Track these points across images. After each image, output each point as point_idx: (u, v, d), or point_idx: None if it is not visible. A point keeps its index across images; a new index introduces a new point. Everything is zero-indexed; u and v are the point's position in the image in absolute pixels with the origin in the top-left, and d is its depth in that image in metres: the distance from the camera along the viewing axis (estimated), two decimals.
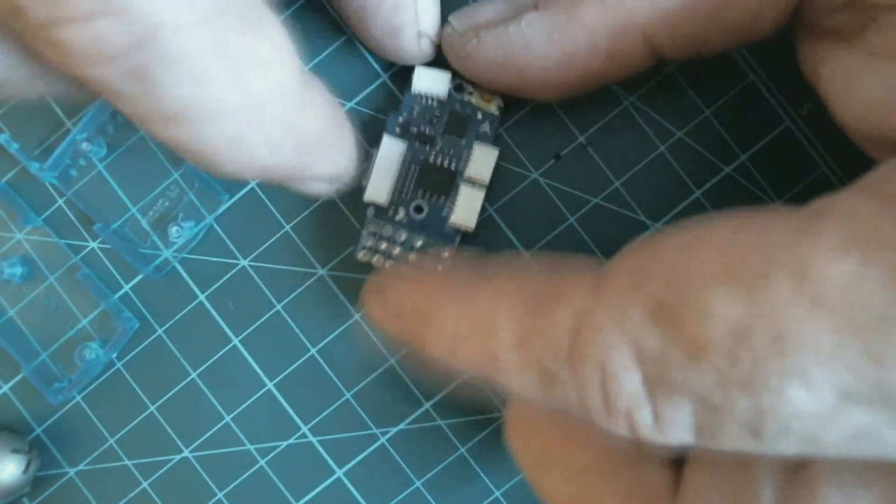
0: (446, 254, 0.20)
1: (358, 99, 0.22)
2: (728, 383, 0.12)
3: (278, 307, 0.22)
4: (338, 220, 0.22)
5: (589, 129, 0.21)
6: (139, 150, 0.22)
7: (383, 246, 0.20)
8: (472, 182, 0.20)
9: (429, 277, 0.18)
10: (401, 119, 0.20)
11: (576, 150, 0.21)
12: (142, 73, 0.12)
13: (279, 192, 0.22)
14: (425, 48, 0.19)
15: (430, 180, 0.20)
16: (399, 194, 0.20)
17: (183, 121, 0.13)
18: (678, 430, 0.13)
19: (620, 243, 0.21)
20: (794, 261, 0.12)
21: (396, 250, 0.20)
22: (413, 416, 0.22)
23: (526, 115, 0.21)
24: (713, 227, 0.13)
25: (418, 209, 0.20)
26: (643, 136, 0.21)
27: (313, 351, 0.22)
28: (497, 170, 0.20)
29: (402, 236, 0.20)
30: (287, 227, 0.22)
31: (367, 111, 0.22)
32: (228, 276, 0.22)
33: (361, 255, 0.21)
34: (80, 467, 0.23)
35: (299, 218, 0.22)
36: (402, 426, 0.22)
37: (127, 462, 0.23)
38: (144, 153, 0.22)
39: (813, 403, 0.12)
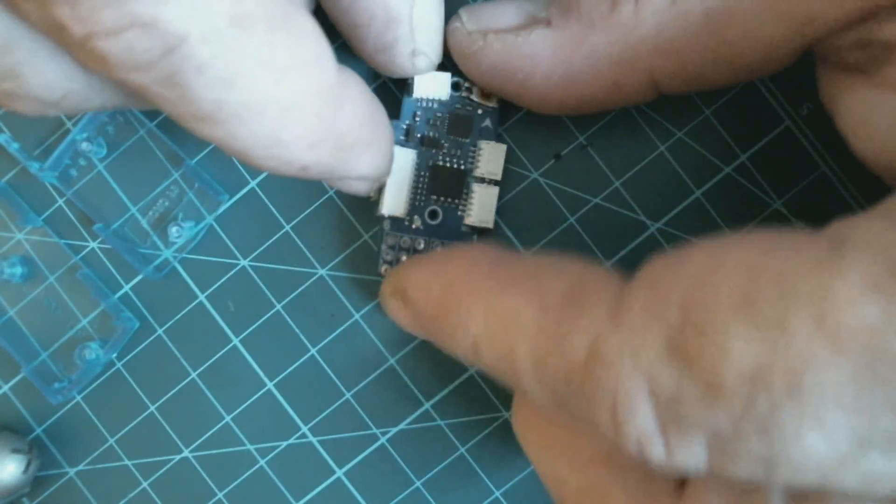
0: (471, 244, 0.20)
1: None
2: (743, 425, 0.12)
3: (278, 307, 0.22)
4: (338, 220, 0.22)
5: (589, 129, 0.21)
6: (139, 150, 0.22)
7: (403, 257, 0.20)
8: (484, 180, 0.20)
9: (453, 269, 0.17)
10: (404, 126, 0.20)
11: (576, 150, 0.21)
12: (174, 78, 0.13)
13: (279, 192, 0.22)
14: (420, 65, 0.19)
15: (442, 184, 0.20)
16: (414, 202, 0.20)
17: (217, 121, 0.14)
18: (690, 461, 0.13)
19: (620, 243, 0.21)
20: (816, 300, 0.11)
21: None
22: (413, 416, 0.22)
23: (526, 114, 0.21)
24: (732, 251, 0.13)
25: (433, 214, 0.20)
26: (643, 136, 0.21)
27: (313, 351, 0.22)
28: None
29: (421, 244, 0.20)
30: (287, 227, 0.22)
31: None
32: (228, 276, 0.22)
33: (383, 271, 0.20)
34: (80, 467, 0.23)
35: (299, 218, 0.22)
36: (402, 426, 0.22)
37: (127, 462, 0.23)
38: (144, 153, 0.22)
39: (830, 450, 0.11)
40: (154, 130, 0.22)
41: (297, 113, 0.15)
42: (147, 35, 0.12)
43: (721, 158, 0.21)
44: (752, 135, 0.21)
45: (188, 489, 0.22)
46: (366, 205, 0.21)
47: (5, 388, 0.23)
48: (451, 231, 0.20)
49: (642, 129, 0.21)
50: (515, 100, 0.19)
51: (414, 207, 0.20)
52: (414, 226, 0.20)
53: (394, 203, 0.20)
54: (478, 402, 0.22)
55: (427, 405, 0.22)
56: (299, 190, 0.22)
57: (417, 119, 0.20)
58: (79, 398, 0.23)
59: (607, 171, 0.21)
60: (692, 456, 0.13)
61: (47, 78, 0.14)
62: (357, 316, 0.22)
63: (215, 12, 0.13)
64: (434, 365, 0.22)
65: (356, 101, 0.17)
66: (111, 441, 0.23)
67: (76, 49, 0.13)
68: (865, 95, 0.16)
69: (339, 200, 0.22)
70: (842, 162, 0.21)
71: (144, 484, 0.23)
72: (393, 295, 0.19)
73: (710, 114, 0.21)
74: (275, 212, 0.22)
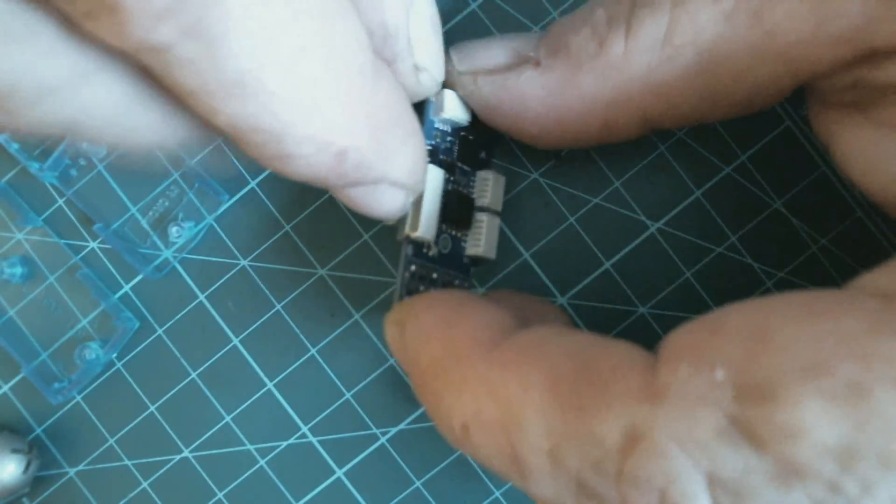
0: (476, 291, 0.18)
1: None
2: None
3: (278, 307, 0.22)
4: (338, 220, 0.22)
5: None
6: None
7: (422, 288, 0.19)
8: (488, 210, 0.19)
9: (452, 329, 0.16)
10: (429, 146, 0.19)
11: (576, 150, 0.21)
12: (201, 26, 0.11)
13: (279, 192, 0.22)
14: (425, 83, 0.18)
15: (453, 211, 0.19)
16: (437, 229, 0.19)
17: (247, 87, 0.12)
18: None
19: (620, 243, 0.21)
20: (894, 367, 0.10)
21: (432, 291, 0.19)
22: (413, 416, 0.22)
23: None
24: (777, 315, 0.12)
25: (443, 243, 0.19)
26: (643, 137, 0.21)
27: (313, 351, 0.22)
28: (498, 169, 0.20)
29: (434, 274, 0.19)
30: (287, 227, 0.22)
31: None
32: (228, 276, 0.22)
33: (397, 298, 0.19)
34: (80, 467, 0.23)
35: (299, 218, 0.22)
36: (402, 426, 0.22)
37: (127, 462, 0.23)
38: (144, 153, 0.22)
39: None
40: None
41: (338, 79, 0.13)
42: None
43: (721, 158, 0.21)
44: (752, 135, 0.21)
45: (188, 489, 0.22)
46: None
47: (5, 388, 0.23)
48: (454, 262, 0.19)
49: None
50: (514, 136, 0.19)
51: (436, 235, 0.19)
52: (431, 253, 0.19)
53: (424, 225, 0.18)
54: None
55: None
56: (299, 190, 0.22)
57: (437, 140, 0.19)
58: (79, 398, 0.23)
59: (607, 171, 0.21)
60: None
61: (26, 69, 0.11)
62: (357, 316, 0.22)
63: None
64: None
65: (391, 85, 0.16)
66: (111, 441, 0.23)
67: (84, 8, 0.11)
68: (862, 133, 0.15)
69: (339, 200, 0.22)
70: None
71: (144, 484, 0.23)
72: (393, 326, 0.18)
73: None
74: (275, 212, 0.22)
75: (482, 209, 0.19)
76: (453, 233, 0.19)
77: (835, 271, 0.21)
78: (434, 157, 0.19)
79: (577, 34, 0.16)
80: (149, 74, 0.12)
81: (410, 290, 0.18)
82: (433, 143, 0.19)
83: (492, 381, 0.14)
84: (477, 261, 0.20)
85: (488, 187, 0.19)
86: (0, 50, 0.11)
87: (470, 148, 0.20)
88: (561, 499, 0.13)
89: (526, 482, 0.14)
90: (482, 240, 0.19)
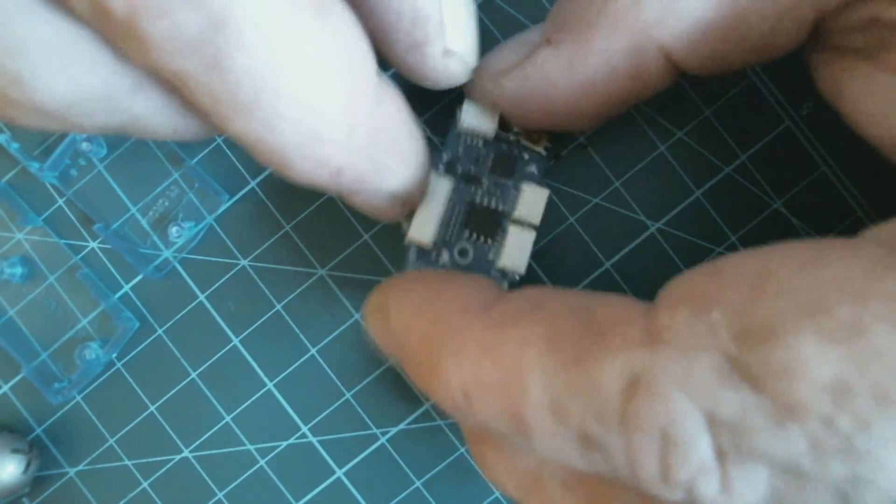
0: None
1: None
2: (821, 450, 0.11)
3: (278, 307, 0.22)
4: (338, 220, 0.22)
5: (589, 130, 0.21)
6: (139, 150, 0.22)
7: None
8: (521, 223, 0.19)
9: (444, 301, 0.16)
10: (446, 157, 0.19)
11: (576, 150, 0.21)
12: (217, 59, 0.12)
13: (279, 192, 0.22)
14: (454, 68, 0.18)
15: (477, 222, 0.19)
16: (444, 236, 0.19)
17: (256, 111, 0.13)
18: (749, 497, 0.11)
19: (620, 243, 0.21)
20: (891, 306, 0.10)
21: None
22: (413, 416, 0.22)
23: None
24: (779, 259, 0.12)
25: (463, 252, 0.19)
26: (643, 136, 0.21)
27: (313, 351, 0.22)
28: None
29: None
30: (287, 227, 0.22)
31: None
32: (228, 276, 0.22)
33: None
34: (80, 467, 0.23)
35: (299, 218, 0.22)
36: (402, 426, 0.22)
37: (127, 462, 0.23)
38: (144, 153, 0.22)
39: None
40: None
41: (340, 103, 0.14)
42: (195, 11, 0.12)
43: (721, 158, 0.21)
44: (752, 135, 0.21)
45: (188, 489, 0.22)
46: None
47: (5, 388, 0.23)
48: (482, 271, 0.19)
49: (642, 129, 0.21)
50: (549, 126, 0.18)
51: (444, 241, 0.19)
52: (441, 261, 0.19)
53: (420, 229, 0.19)
54: None
55: (427, 405, 0.22)
56: (299, 190, 0.22)
57: (461, 153, 0.19)
58: (79, 398, 0.23)
59: (607, 171, 0.21)
60: (752, 492, 0.11)
61: (53, 88, 0.13)
62: (357, 316, 0.22)
63: None
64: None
65: (395, 104, 0.16)
66: (111, 441, 0.23)
67: (118, 36, 0.12)
68: (872, 80, 0.15)
69: (339, 200, 0.22)
70: (842, 162, 0.21)
71: (144, 484, 0.23)
72: (374, 311, 0.18)
73: (710, 114, 0.21)
74: (275, 212, 0.22)
75: (514, 221, 0.19)
76: (480, 242, 0.19)
77: None
78: (450, 167, 0.19)
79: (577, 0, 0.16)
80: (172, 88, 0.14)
81: None
82: (451, 154, 0.19)
83: (489, 343, 0.14)
84: (510, 279, 0.19)
85: (522, 199, 0.19)
86: (56, 68, 0.13)
87: (508, 160, 0.19)
88: (566, 454, 0.13)
89: (530, 440, 0.14)
90: (505, 251, 0.19)
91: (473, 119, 0.19)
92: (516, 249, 0.19)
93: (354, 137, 0.15)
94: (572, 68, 0.17)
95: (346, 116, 0.14)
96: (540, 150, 0.20)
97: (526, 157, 0.19)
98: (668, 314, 0.12)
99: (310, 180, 0.15)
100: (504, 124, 0.19)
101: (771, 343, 0.11)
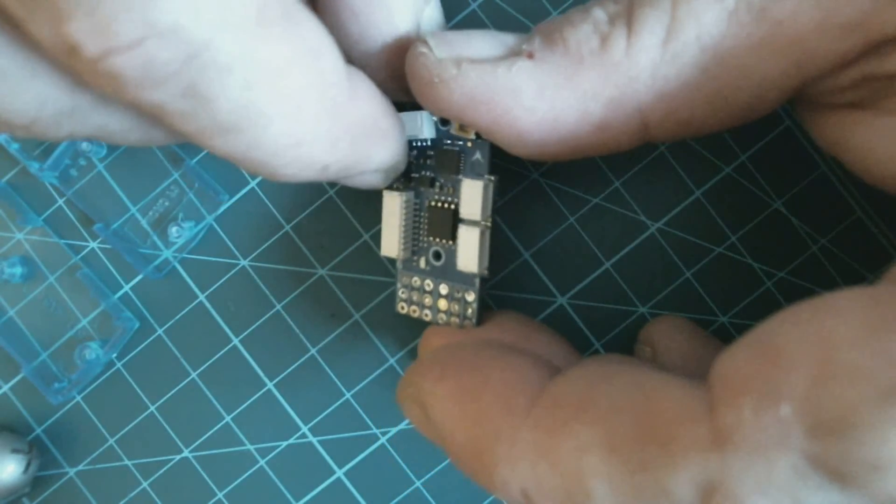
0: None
1: None
2: None
3: (278, 307, 0.22)
4: (338, 220, 0.22)
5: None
6: (139, 150, 0.22)
7: (415, 297, 0.20)
8: (468, 221, 0.18)
9: (480, 401, 0.15)
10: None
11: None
12: (194, 89, 0.12)
13: (279, 192, 0.22)
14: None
15: (436, 225, 0.19)
16: (415, 244, 0.19)
17: (240, 131, 0.13)
18: None
19: (620, 243, 0.21)
20: None
21: (427, 299, 0.19)
22: None
23: None
24: (834, 328, 0.11)
25: (437, 255, 0.19)
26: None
27: (313, 351, 0.22)
28: (497, 170, 0.20)
29: (430, 285, 0.19)
30: (287, 227, 0.22)
31: None
32: (228, 276, 0.22)
33: (400, 308, 0.20)
34: (80, 467, 0.23)
35: (299, 218, 0.22)
36: (402, 426, 0.22)
37: (127, 462, 0.23)
38: (144, 153, 0.22)
39: None
40: None
41: (317, 108, 0.14)
42: (167, 44, 0.11)
43: (721, 158, 0.21)
44: (752, 135, 0.21)
45: (188, 489, 0.22)
46: (366, 204, 0.21)
47: (5, 388, 0.23)
48: (454, 273, 0.19)
49: None
50: (487, 135, 0.17)
51: (418, 248, 0.19)
52: (420, 266, 0.19)
53: (388, 246, 0.19)
54: None
55: None
56: (299, 190, 0.22)
57: (412, 159, 0.19)
58: (79, 398, 0.23)
59: (607, 171, 0.21)
60: None
61: (14, 106, 0.13)
62: (357, 316, 0.22)
63: (241, 14, 0.12)
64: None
65: (368, 92, 0.16)
66: (111, 441, 0.23)
67: (88, 72, 0.12)
68: (874, 127, 0.15)
69: (338, 200, 0.22)
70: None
71: (144, 484, 0.23)
72: (411, 404, 0.17)
73: None
74: (275, 212, 0.22)
75: (462, 220, 0.18)
76: (446, 245, 0.19)
77: (835, 271, 0.21)
78: (405, 177, 0.19)
79: (577, 29, 0.16)
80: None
81: (405, 299, 0.20)
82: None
83: (542, 448, 0.14)
84: (466, 276, 0.19)
85: (465, 196, 0.18)
86: (16, 88, 0.13)
87: (452, 155, 0.19)
88: None
89: None
90: (459, 253, 0.18)
91: (413, 126, 0.19)
92: (467, 250, 0.18)
93: (336, 135, 0.15)
94: (545, 94, 0.16)
95: (325, 118, 0.15)
96: (471, 136, 0.19)
97: (469, 145, 0.18)
98: (731, 409, 0.12)
99: (297, 180, 0.16)
100: (442, 120, 0.19)
101: (852, 435, 0.10)
